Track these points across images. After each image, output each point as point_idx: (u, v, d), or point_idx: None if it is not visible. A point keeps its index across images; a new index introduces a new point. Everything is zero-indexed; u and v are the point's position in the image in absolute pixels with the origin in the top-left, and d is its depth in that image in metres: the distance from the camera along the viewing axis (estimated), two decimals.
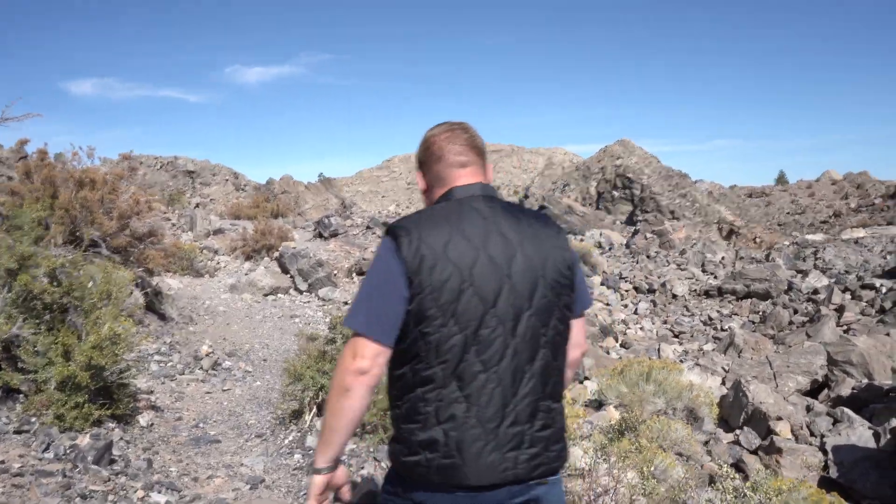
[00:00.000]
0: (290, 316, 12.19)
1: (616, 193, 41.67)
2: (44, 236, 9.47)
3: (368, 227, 20.97)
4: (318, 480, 1.92)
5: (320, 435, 1.94)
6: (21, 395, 4.86)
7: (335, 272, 15.75)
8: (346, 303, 13.96)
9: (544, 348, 1.92)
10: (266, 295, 13.56)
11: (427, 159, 2.14)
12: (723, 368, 11.28)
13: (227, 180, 51.57)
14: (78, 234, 9.57)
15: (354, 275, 15.90)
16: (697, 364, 11.66)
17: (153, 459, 4.71)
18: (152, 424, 5.68)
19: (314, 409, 5.35)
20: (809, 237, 27.51)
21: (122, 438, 4.93)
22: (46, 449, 4.20)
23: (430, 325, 1.84)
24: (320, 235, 19.52)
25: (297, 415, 5.49)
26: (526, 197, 46.58)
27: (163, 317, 10.07)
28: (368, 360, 1.83)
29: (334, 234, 19.29)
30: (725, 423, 9.67)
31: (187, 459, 4.94)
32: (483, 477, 1.83)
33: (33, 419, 4.50)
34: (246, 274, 14.39)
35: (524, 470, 1.88)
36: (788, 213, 53.14)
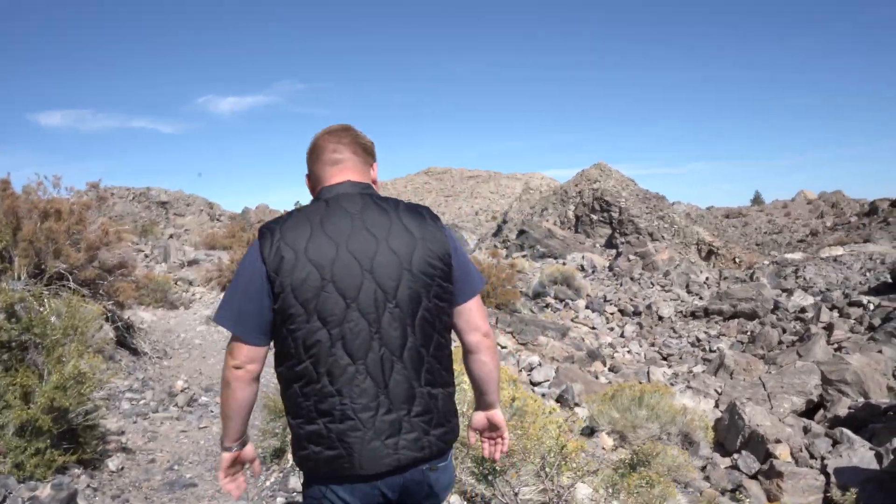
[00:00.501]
0: None
1: (594, 217, 41.67)
2: (6, 270, 9.04)
3: None
4: (226, 456, 2.11)
5: (221, 421, 2.09)
6: None
7: None
8: None
9: (413, 337, 1.98)
10: None
11: (309, 160, 2.22)
12: (715, 391, 11.04)
13: (201, 210, 50.96)
14: (43, 266, 9.14)
15: None
16: (689, 387, 11.41)
17: None
18: (123, 468, 5.27)
19: None
20: (789, 256, 27.57)
21: (88, 486, 4.53)
22: (2, 502, 3.80)
23: (295, 322, 1.92)
24: None
25: (278, 453, 5.12)
26: (504, 222, 46.49)
27: (135, 351, 9.64)
28: (240, 359, 1.96)
29: None
30: (721, 446, 9.40)
31: None
32: (367, 465, 1.92)
33: None
34: None
35: (407, 455, 1.96)
36: (766, 232, 53.60)
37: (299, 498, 4.38)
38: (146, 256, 19.57)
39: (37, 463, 4.25)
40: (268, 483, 4.73)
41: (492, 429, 2.32)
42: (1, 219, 9.32)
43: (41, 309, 4.78)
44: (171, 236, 25.52)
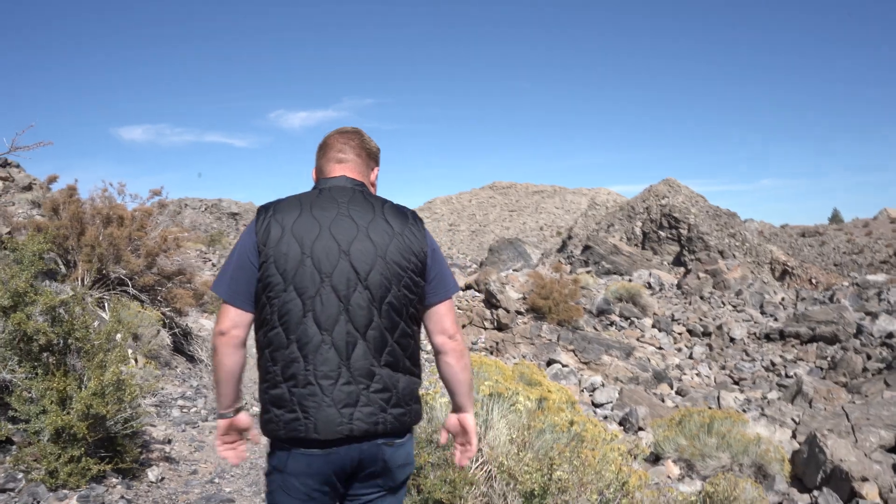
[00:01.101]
0: None
1: (662, 233, 40.61)
2: (67, 275, 9.12)
3: None
4: (222, 422, 2.24)
5: (215, 389, 2.22)
6: (14, 447, 4.34)
7: None
8: None
9: (378, 320, 2.13)
10: None
11: (317, 154, 2.44)
12: (793, 420, 10.32)
13: None
14: (105, 272, 9.20)
15: None
16: (763, 414, 10.73)
17: None
18: (163, 479, 5.10)
19: None
20: (871, 278, 26.07)
21: (122, 497, 4.35)
22: None
23: (274, 290, 2.10)
24: None
25: None
26: (569, 237, 45.78)
27: (192, 358, 9.62)
28: (227, 324, 2.13)
29: None
30: (799, 481, 8.74)
31: None
32: (322, 430, 2.05)
33: (20, 475, 3.95)
34: None
35: (360, 426, 2.08)
36: (845, 252, 51.34)
37: None
38: (213, 265, 19.82)
39: (70, 471, 4.10)
40: None
41: (463, 433, 2.41)
42: (66, 224, 9.45)
43: (83, 313, 4.64)
44: None
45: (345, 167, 2.37)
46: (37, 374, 4.26)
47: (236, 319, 2.14)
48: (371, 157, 2.46)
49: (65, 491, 4.03)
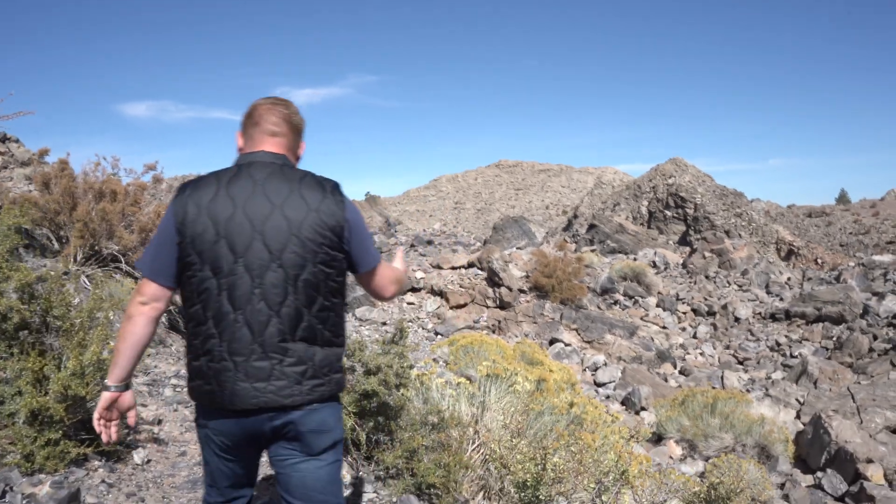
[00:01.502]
0: None
1: (668, 213, 40.37)
2: (59, 251, 8.95)
3: (412, 246, 20.30)
4: (105, 395, 2.34)
5: (112, 358, 2.29)
6: None
7: None
8: (384, 323, 13.21)
9: (294, 296, 2.20)
10: None
11: (247, 122, 2.40)
12: (797, 400, 10.15)
13: None
14: (97, 248, 9.02)
15: None
16: (768, 395, 10.56)
17: None
18: (149, 461, 4.94)
19: None
20: (877, 258, 25.76)
21: (103, 481, 4.19)
22: (1, 497, 3.49)
23: (191, 269, 2.18)
24: None
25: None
26: (575, 216, 45.47)
27: None
28: (146, 296, 2.22)
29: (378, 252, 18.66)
30: (803, 462, 8.58)
31: None
32: (235, 402, 2.17)
33: None
34: None
35: (273, 398, 2.18)
36: (851, 232, 50.94)
37: None
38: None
39: (48, 455, 3.94)
40: None
41: None
42: (58, 198, 9.26)
43: (63, 290, 4.46)
44: None
45: (276, 141, 2.37)
46: (12, 353, 4.09)
47: (156, 294, 2.23)
48: (295, 131, 2.46)
49: (41, 475, 3.87)
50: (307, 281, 2.21)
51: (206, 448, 2.38)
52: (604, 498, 3.03)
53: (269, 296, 2.17)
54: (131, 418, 2.44)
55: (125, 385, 2.33)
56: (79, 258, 9.33)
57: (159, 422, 6.11)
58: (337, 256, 2.27)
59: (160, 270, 2.22)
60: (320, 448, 2.32)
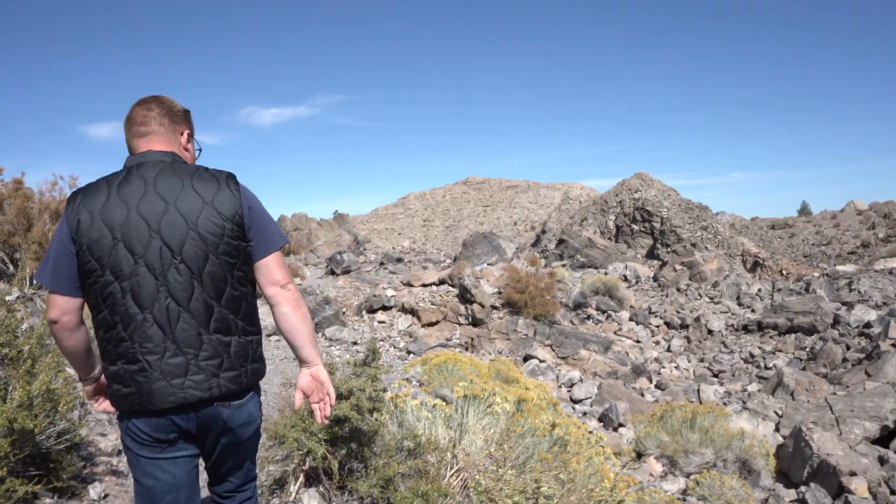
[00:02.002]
0: (293, 359, 11.17)
1: (635, 227, 40.73)
2: (14, 274, 8.56)
3: (381, 264, 20.03)
4: (89, 388, 2.46)
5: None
6: None
7: (344, 310, 14.71)
8: (354, 342, 12.91)
9: (200, 290, 2.19)
10: (269, 335, 12.53)
11: (125, 129, 2.38)
12: (775, 413, 10.06)
13: None
14: None
15: (364, 312, 14.85)
16: (745, 408, 10.46)
17: None
18: (106, 496, 4.62)
19: (300, 479, 4.28)
20: (840, 268, 26.11)
21: None
22: None
23: (92, 276, 2.16)
24: (332, 272, 18.61)
25: (279, 484, 4.42)
26: (543, 232, 45.58)
27: None
28: (56, 313, 2.20)
29: (346, 271, 18.38)
30: (785, 476, 8.45)
31: None
32: (155, 402, 2.17)
33: None
34: None
35: (193, 394, 2.18)
36: (814, 244, 51.71)
37: None
38: None
39: None
40: None
41: (319, 386, 2.44)
42: (12, 219, 8.87)
43: (8, 316, 4.15)
44: None
45: (150, 140, 2.33)
46: None
47: (65, 306, 2.19)
48: (176, 121, 2.41)
49: None
50: (212, 273, 2.20)
51: (139, 462, 2.30)
52: None
53: (176, 292, 2.17)
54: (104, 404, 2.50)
55: (97, 375, 2.42)
56: (34, 282, 8.94)
57: (119, 452, 5.77)
58: (240, 246, 2.26)
59: (64, 282, 2.18)
60: (245, 437, 2.38)
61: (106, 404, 2.46)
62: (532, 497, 2.73)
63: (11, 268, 9.40)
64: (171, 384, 2.16)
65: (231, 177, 2.31)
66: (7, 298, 7.39)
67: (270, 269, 2.32)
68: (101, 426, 6.48)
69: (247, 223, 2.26)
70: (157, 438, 2.24)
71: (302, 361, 2.41)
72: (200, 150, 2.58)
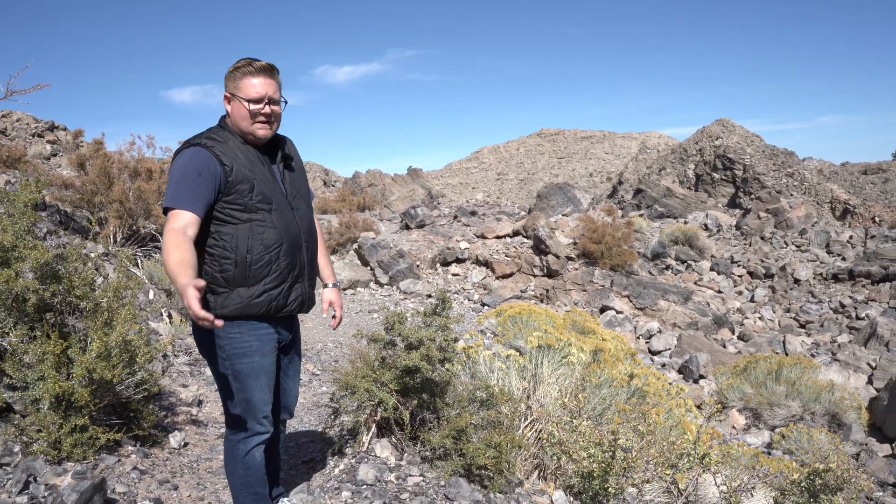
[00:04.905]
0: (369, 311, 11.25)
1: (716, 175, 39.23)
2: (99, 232, 8.81)
3: (455, 217, 19.94)
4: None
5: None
6: (17, 416, 3.97)
7: (418, 263, 14.73)
8: (429, 295, 12.92)
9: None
10: (345, 289, 12.67)
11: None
12: (868, 365, 9.56)
13: (317, 177, 51.86)
14: (135, 228, 8.88)
15: (438, 265, 14.83)
16: (835, 359, 9.98)
17: (165, 498, 3.71)
18: (186, 445, 4.72)
19: (372, 429, 4.25)
20: None
21: (135, 468, 3.96)
22: (24, 489, 3.26)
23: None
24: (407, 227, 18.65)
25: (352, 434, 4.41)
26: (620, 182, 44.51)
27: None
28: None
29: (421, 225, 18.38)
30: (878, 431, 8.05)
31: (211, 496, 3.91)
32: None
33: (17, 447, 3.57)
34: None
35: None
36: None
37: (368, 492, 3.66)
38: None
39: (75, 441, 3.72)
40: (335, 471, 4.02)
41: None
42: (94, 179, 9.13)
43: (82, 268, 4.21)
44: None
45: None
46: (34, 337, 3.86)
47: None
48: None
49: (69, 464, 3.65)
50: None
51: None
52: (681, 486, 2.64)
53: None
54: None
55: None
56: (118, 239, 9.20)
57: (199, 403, 5.92)
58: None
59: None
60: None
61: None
62: (608, 450, 2.59)
63: (96, 227, 9.68)
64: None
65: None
66: (92, 255, 7.58)
67: None
68: (182, 377, 6.67)
69: None
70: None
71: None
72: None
